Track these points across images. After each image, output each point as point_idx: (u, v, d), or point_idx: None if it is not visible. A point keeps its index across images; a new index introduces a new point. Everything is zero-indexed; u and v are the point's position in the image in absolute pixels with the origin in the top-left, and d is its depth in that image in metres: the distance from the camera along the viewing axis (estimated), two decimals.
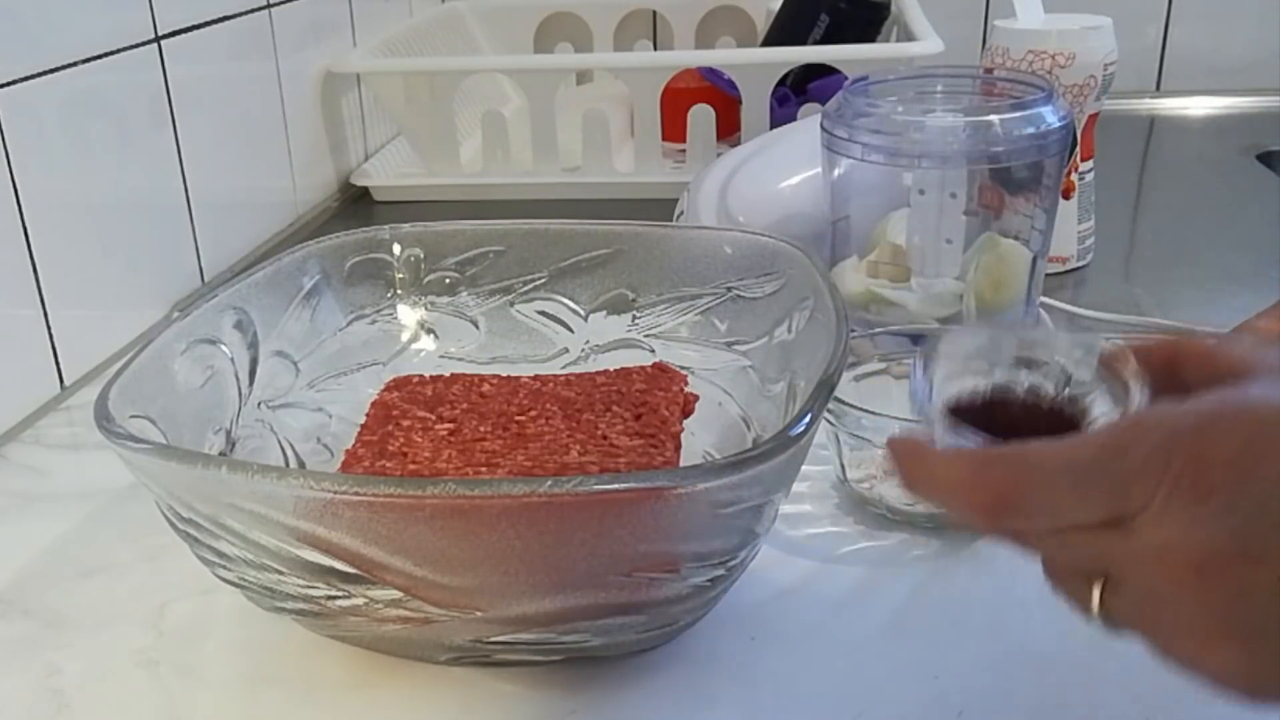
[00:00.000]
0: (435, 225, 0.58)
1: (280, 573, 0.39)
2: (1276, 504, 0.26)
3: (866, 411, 0.50)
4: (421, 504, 0.35)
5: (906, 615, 0.47)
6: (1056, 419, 0.33)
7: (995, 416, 0.33)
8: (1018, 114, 0.57)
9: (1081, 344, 0.35)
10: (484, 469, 0.47)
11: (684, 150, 1.04)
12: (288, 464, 0.51)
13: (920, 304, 0.62)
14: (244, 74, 0.89)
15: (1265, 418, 0.27)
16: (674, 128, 1.02)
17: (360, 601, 0.39)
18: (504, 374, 0.55)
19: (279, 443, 0.51)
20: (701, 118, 1.01)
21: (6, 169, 0.62)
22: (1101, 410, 0.33)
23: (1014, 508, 0.30)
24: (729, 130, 1.02)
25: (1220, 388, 0.29)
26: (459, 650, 0.42)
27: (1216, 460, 0.27)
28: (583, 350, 0.58)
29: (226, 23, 0.85)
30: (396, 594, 0.38)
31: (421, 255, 0.58)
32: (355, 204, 1.03)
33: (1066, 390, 0.34)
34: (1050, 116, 0.58)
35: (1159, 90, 1.30)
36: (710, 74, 1.06)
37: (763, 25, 1.21)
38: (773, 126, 0.95)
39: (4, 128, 0.62)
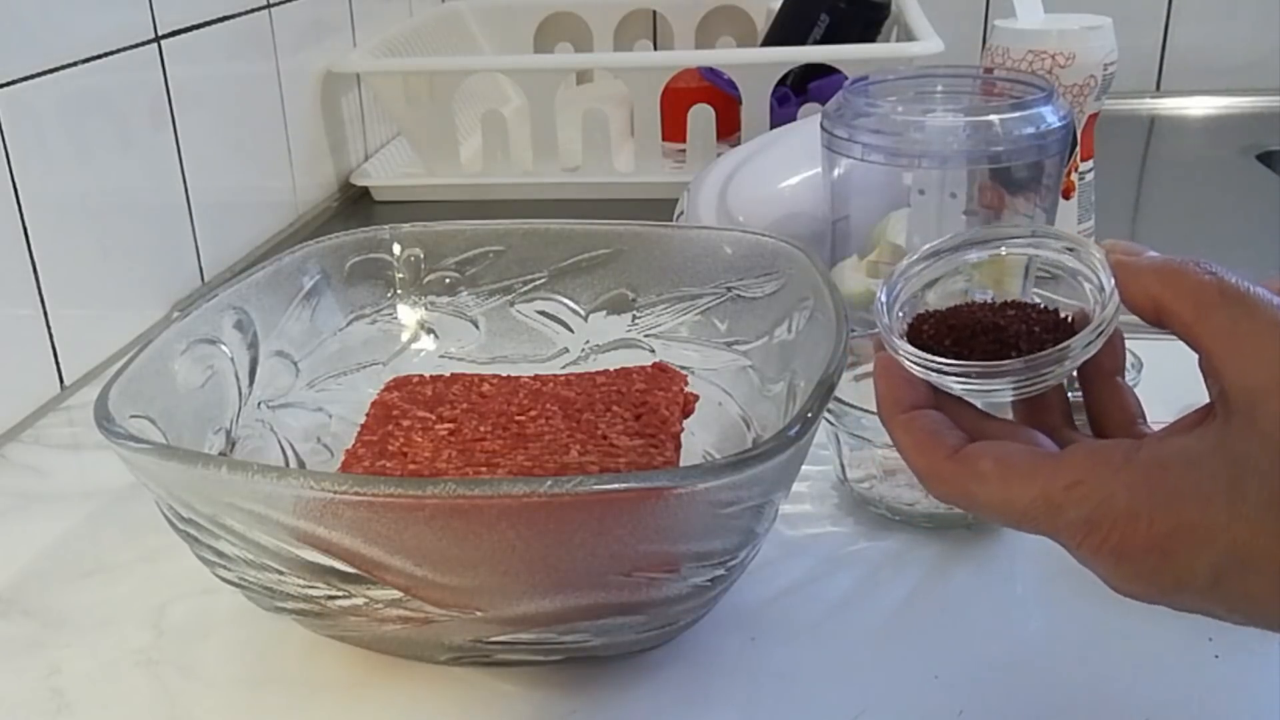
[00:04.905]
0: (435, 225, 0.58)
1: (280, 573, 0.39)
2: (1187, 591, 0.31)
3: (866, 411, 0.50)
4: (421, 504, 0.35)
5: (906, 615, 0.47)
6: (1018, 318, 0.36)
7: (956, 324, 0.37)
8: (1018, 114, 0.57)
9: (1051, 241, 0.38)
10: (484, 469, 0.47)
11: (684, 150, 1.04)
12: (288, 464, 0.51)
13: None
14: (244, 74, 0.89)
15: (1193, 519, 0.30)
16: (674, 128, 1.02)
17: (360, 601, 0.39)
18: (504, 374, 0.55)
19: (279, 443, 0.51)
20: (701, 118, 1.01)
21: (6, 169, 0.62)
22: (1067, 302, 0.36)
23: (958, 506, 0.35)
24: (729, 130, 1.02)
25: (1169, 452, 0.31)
26: (459, 650, 0.42)
27: (1138, 544, 0.30)
28: (583, 350, 0.58)
29: (226, 23, 0.85)
30: (396, 594, 0.38)
31: (421, 255, 0.58)
32: (355, 204, 1.03)
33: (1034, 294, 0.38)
34: (1050, 116, 0.58)
35: (1159, 90, 1.30)
36: (710, 74, 1.06)
37: (763, 25, 1.21)
38: (773, 126, 0.95)
39: (4, 128, 0.62)
